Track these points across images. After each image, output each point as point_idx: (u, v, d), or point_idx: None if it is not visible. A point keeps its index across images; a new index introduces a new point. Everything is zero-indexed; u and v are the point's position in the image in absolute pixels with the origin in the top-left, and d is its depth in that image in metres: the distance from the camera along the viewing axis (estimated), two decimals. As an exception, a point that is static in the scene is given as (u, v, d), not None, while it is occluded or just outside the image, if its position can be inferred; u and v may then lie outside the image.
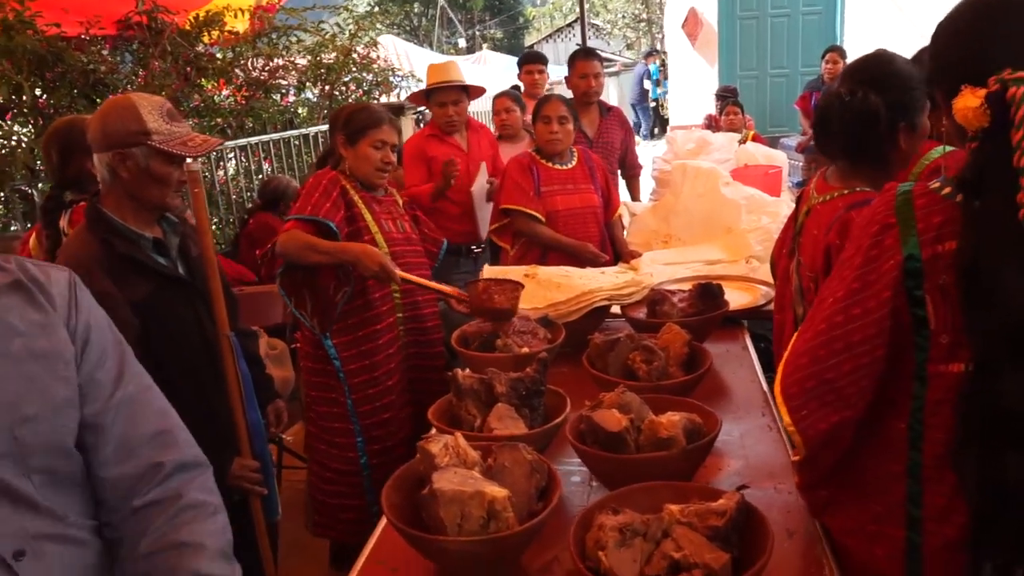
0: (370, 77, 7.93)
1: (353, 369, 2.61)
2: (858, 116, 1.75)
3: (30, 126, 4.36)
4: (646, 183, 4.96)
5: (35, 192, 4.28)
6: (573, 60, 4.43)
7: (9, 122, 4.39)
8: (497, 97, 4.66)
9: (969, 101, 1.12)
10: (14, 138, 4.21)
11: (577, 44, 7.43)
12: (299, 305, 2.59)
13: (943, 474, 1.23)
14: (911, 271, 1.22)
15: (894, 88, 1.75)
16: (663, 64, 14.88)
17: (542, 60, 5.44)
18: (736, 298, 2.81)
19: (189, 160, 1.98)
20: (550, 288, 2.53)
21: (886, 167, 1.79)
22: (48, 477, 1.06)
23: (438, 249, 2.96)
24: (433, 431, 1.70)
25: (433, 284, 2.57)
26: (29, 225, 4.30)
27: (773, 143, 6.83)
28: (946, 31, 1.26)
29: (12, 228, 4.25)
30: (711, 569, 1.18)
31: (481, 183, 3.84)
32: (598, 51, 4.84)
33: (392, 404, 2.69)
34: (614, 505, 1.31)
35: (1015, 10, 1.17)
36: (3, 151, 4.02)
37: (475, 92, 4.09)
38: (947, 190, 1.23)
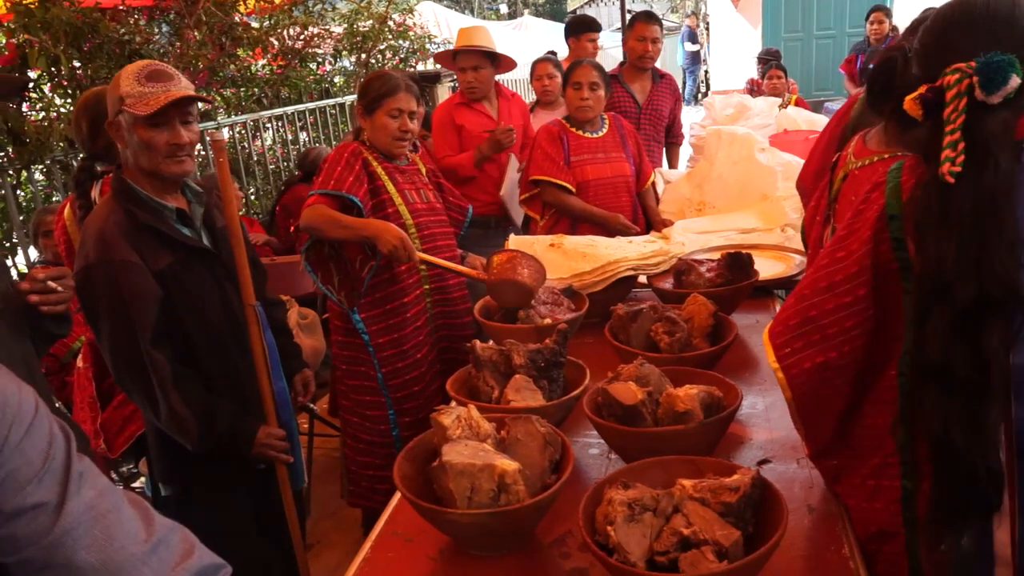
0: (406, 45, 7.89)
1: (382, 343, 2.61)
2: (893, 71, 1.69)
3: (68, 98, 4.42)
4: (684, 150, 4.86)
5: (75, 163, 4.36)
6: (633, 22, 4.31)
7: (50, 93, 4.46)
8: (538, 62, 4.59)
9: (912, 95, 1.22)
10: (53, 111, 4.27)
11: (619, 9, 7.21)
12: (325, 280, 2.59)
13: None
14: (891, 215, 1.27)
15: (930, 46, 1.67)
16: (707, 26, 14.54)
17: (596, 28, 4.80)
18: (770, 267, 2.75)
19: (213, 127, 1.97)
20: (576, 258, 2.49)
21: (908, 133, 1.72)
22: None
23: (464, 217, 2.93)
24: (453, 403, 1.69)
25: (451, 265, 2.53)
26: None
27: (817, 108, 6.65)
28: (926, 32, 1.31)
29: (54, 199, 4.34)
30: (721, 546, 1.16)
31: (512, 178, 3.78)
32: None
33: (422, 377, 2.69)
34: (626, 479, 1.29)
35: (972, 25, 1.22)
36: (43, 123, 4.08)
37: (506, 64, 4.01)
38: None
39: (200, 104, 2.05)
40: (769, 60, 7.15)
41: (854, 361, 1.34)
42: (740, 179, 3.57)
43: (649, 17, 4.31)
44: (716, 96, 5.79)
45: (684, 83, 16.19)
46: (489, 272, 2.33)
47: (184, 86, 1.90)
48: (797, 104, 6.11)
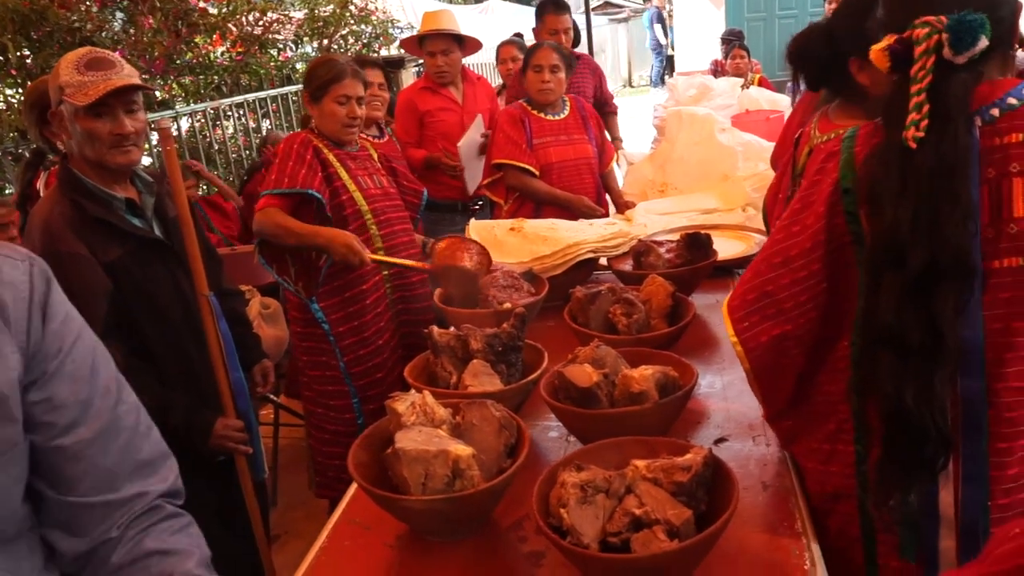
0: (369, 30, 7.80)
1: (342, 331, 2.58)
2: (806, 45, 1.82)
3: (18, 88, 4.31)
4: (643, 130, 4.88)
5: (27, 154, 4.26)
6: (542, 13, 4.26)
7: (-1, 83, 4.35)
8: (502, 46, 4.56)
9: (879, 45, 1.20)
10: (2, 102, 4.16)
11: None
12: (281, 271, 2.55)
13: None
14: (845, 188, 1.27)
15: (846, 17, 1.74)
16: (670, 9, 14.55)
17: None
18: (731, 247, 2.76)
19: (172, 115, 1.93)
20: (536, 241, 2.49)
21: (866, 103, 1.76)
22: None
23: (419, 200, 2.89)
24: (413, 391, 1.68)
25: (399, 261, 2.50)
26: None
27: (780, 87, 6.68)
28: None
29: (7, 192, 4.23)
30: (672, 525, 1.16)
31: (472, 137, 3.73)
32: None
33: (385, 363, 2.67)
34: (580, 461, 1.29)
35: None
36: (-8, 114, 3.98)
37: (471, 45, 3.97)
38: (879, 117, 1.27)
39: (144, 92, 2.00)
40: (732, 40, 7.16)
41: (809, 332, 1.36)
42: (701, 160, 3.58)
43: (558, 7, 4.24)
44: (679, 77, 5.80)
45: (652, 65, 16.22)
46: (432, 260, 2.31)
47: (126, 74, 1.85)
48: (760, 84, 6.14)
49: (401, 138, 3.80)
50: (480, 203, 3.99)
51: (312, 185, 2.42)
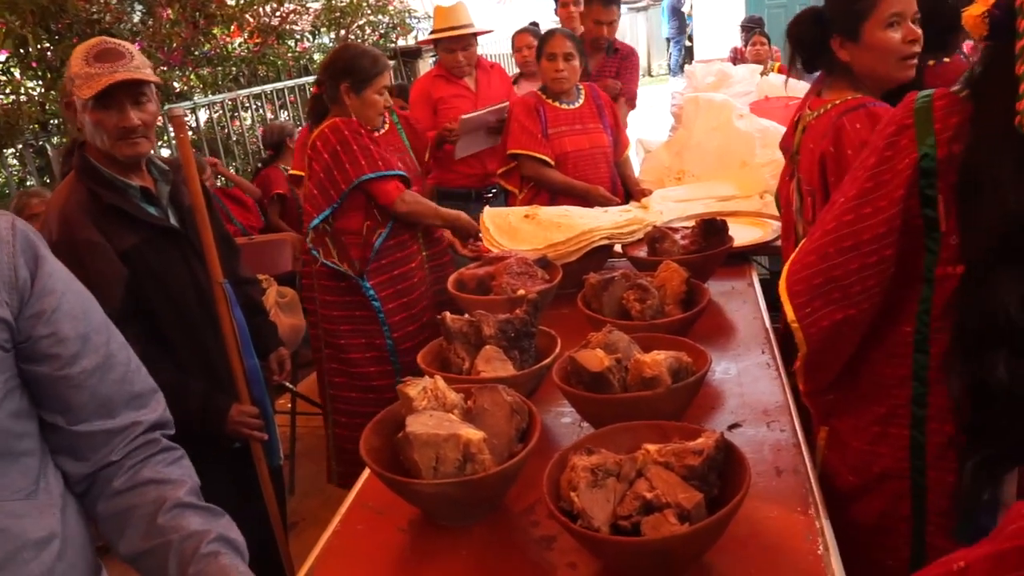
0: (386, 20, 7.79)
1: (393, 307, 2.68)
2: (799, 27, 1.85)
3: (38, 80, 4.35)
4: (661, 119, 4.83)
5: (49, 146, 4.29)
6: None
7: (13, 72, 4.37)
8: (517, 33, 4.53)
9: (975, 9, 1.13)
10: (23, 94, 4.20)
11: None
12: (327, 255, 2.65)
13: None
14: (925, 170, 1.21)
15: None
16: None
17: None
18: (748, 234, 2.74)
19: (190, 107, 1.94)
20: (550, 228, 2.47)
21: (852, 79, 1.80)
22: None
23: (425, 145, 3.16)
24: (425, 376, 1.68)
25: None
26: (47, 179, 4.34)
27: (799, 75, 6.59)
28: None
29: (28, 183, 4.28)
30: (683, 508, 1.15)
31: (482, 115, 3.63)
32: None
33: (429, 340, 2.69)
34: (590, 446, 1.28)
35: None
36: (12, 106, 4.01)
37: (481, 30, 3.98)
38: (965, 92, 1.21)
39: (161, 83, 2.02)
40: (752, 27, 7.08)
41: (871, 316, 1.34)
42: (718, 146, 3.54)
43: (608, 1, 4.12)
44: (697, 65, 5.74)
45: (669, 53, 16.06)
46: None
47: (135, 66, 1.84)
48: (780, 71, 6.06)
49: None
50: (493, 191, 3.97)
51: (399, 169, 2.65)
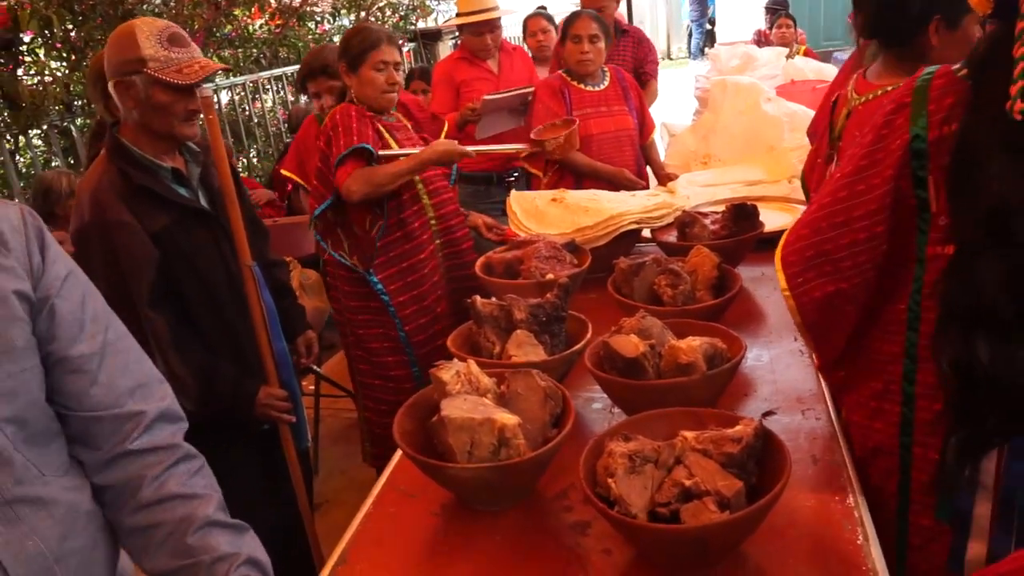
0: (406, 1, 7.75)
1: (403, 300, 2.58)
2: None
3: (63, 61, 4.36)
4: (683, 103, 4.77)
5: (73, 127, 4.31)
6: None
7: (44, 56, 4.39)
8: (530, 18, 4.48)
9: None
10: (48, 75, 4.21)
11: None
12: (336, 247, 2.56)
13: None
14: (916, 151, 1.22)
15: None
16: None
17: None
18: (776, 219, 2.70)
19: (205, 87, 1.93)
20: (578, 212, 2.46)
21: (916, 67, 1.69)
22: (19, 428, 1.01)
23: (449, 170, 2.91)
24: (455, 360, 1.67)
25: (495, 148, 2.80)
26: (71, 160, 4.36)
27: (826, 58, 6.52)
28: None
29: (54, 164, 4.30)
30: (723, 496, 1.14)
31: (507, 96, 3.58)
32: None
33: (444, 331, 2.65)
34: (627, 432, 1.27)
35: None
36: (38, 87, 4.02)
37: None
38: (964, 72, 1.21)
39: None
40: (777, 10, 7.00)
41: (864, 291, 1.35)
42: (746, 130, 3.50)
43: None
44: (722, 47, 5.67)
45: (690, 36, 15.91)
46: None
47: (199, 52, 1.92)
48: (805, 55, 5.98)
49: (436, 108, 3.76)
50: (516, 175, 3.94)
51: (376, 147, 2.44)
